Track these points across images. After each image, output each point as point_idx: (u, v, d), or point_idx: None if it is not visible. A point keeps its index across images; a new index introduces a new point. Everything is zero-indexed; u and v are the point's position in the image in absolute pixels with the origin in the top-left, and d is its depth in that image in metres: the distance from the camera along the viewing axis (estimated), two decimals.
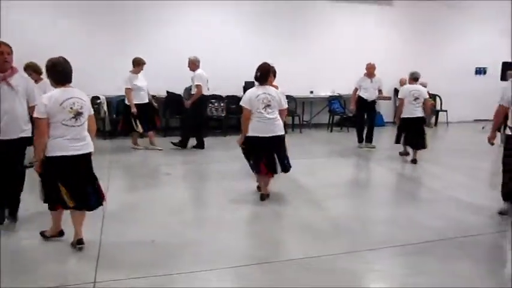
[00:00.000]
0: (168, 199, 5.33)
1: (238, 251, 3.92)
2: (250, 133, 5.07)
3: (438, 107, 12.20)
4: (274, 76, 5.52)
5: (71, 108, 3.57)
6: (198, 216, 4.96)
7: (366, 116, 8.69)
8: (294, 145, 9.14)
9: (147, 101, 7.96)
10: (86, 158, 3.75)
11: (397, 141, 7.78)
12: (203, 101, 8.15)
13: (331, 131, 10.92)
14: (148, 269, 3.49)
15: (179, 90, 9.54)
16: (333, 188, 5.98)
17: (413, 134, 7.45)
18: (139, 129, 7.89)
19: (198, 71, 7.82)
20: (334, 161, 7.77)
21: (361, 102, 8.54)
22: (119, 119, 8.95)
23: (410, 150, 7.67)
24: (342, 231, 4.44)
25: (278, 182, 5.67)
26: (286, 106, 5.28)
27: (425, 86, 7.97)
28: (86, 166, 3.77)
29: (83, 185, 3.73)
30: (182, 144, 8.14)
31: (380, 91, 8.59)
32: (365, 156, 8.12)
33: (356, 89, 8.65)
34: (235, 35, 10.23)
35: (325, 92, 11.16)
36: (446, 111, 12.15)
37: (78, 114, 3.61)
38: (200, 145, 8.21)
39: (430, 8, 11.78)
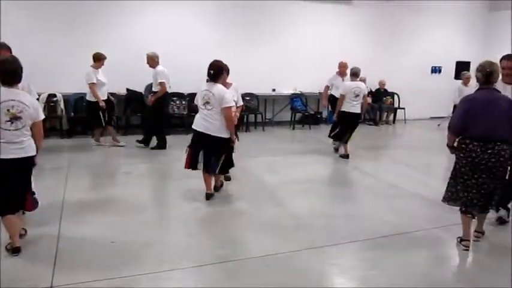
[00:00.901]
0: (129, 199, 5.24)
1: (201, 250, 3.91)
2: (193, 125, 5.17)
3: (396, 105, 12.55)
4: (228, 74, 5.49)
5: (8, 110, 3.38)
6: (159, 215, 4.91)
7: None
8: (256, 143, 9.23)
9: (106, 97, 7.80)
10: (20, 163, 3.50)
11: (331, 135, 8.02)
12: (165, 98, 8.05)
13: (293, 128, 11.03)
14: (110, 270, 3.43)
15: (139, 88, 9.37)
16: (294, 185, 6.05)
17: (346, 128, 7.67)
18: (104, 124, 7.77)
19: (159, 68, 7.67)
20: (296, 158, 7.85)
21: (333, 101, 8.57)
22: (77, 117, 8.72)
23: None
24: (303, 228, 4.51)
25: (240, 180, 5.69)
26: (231, 104, 5.10)
27: (364, 81, 8.24)
28: (18, 171, 3.53)
29: (12, 190, 3.54)
30: (145, 142, 8.04)
31: None
32: (326, 153, 8.25)
33: (327, 87, 8.75)
34: (198, 32, 10.13)
35: (287, 90, 11.25)
36: (404, 108, 12.51)
37: (15, 118, 3.41)
38: (162, 144, 8.05)
39: (389, 9, 12.08)
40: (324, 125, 11.34)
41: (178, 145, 8.24)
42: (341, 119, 7.71)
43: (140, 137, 8.11)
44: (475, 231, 4.20)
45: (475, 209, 3.97)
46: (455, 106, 9.19)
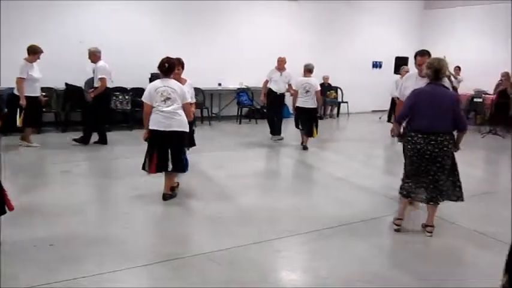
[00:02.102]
0: (68, 198, 5.01)
1: (147, 249, 3.83)
2: (150, 126, 4.92)
3: (340, 99, 12.89)
4: (183, 68, 5.41)
5: None
6: (101, 215, 4.75)
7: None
8: (203, 138, 9.11)
9: (38, 94, 7.39)
10: None
11: (297, 126, 8.25)
12: (107, 94, 7.78)
13: (240, 123, 11.04)
14: (50, 274, 3.27)
15: (79, 83, 9.00)
16: (241, 179, 6.06)
17: (304, 122, 7.97)
18: (19, 122, 7.14)
19: (101, 63, 7.43)
20: (243, 153, 7.88)
21: (271, 94, 8.77)
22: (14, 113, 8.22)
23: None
24: (251, 222, 4.53)
25: (186, 176, 5.61)
26: (190, 100, 5.12)
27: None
28: None
29: None
30: (84, 140, 7.66)
31: (290, 85, 8.73)
32: (273, 147, 8.33)
33: (267, 81, 8.87)
34: (140, 26, 9.88)
35: (233, 85, 11.24)
36: (347, 102, 12.88)
37: None
38: (102, 140, 7.78)
39: (332, 6, 12.37)
40: None
41: (121, 142, 8.06)
42: (298, 114, 8.03)
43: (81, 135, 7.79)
44: (427, 225, 4.28)
45: (424, 195, 4.18)
46: (393, 99, 9.61)
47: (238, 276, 3.42)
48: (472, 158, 8.29)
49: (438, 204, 4.25)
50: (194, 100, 5.73)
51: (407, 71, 9.70)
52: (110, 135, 7.92)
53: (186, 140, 5.13)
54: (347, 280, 3.42)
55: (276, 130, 8.93)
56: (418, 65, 4.70)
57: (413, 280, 3.48)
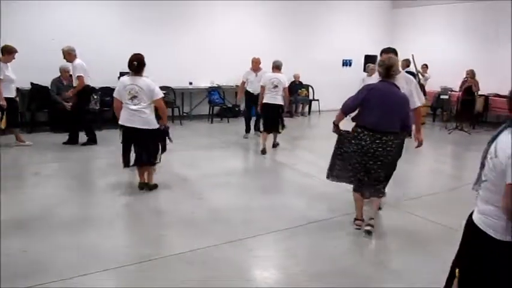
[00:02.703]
0: (36, 201, 4.89)
1: (118, 251, 3.77)
2: (119, 121, 5.11)
3: (311, 97, 12.99)
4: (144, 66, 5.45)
5: None
6: (72, 217, 4.61)
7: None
8: (174, 137, 8.99)
9: (15, 95, 7.25)
10: None
11: (258, 129, 8.25)
12: (86, 92, 7.67)
13: (211, 122, 10.98)
14: (18, 280, 3.17)
15: (46, 82, 8.76)
16: (213, 179, 6.04)
17: (271, 119, 7.79)
18: (3, 124, 6.98)
19: (77, 61, 7.31)
20: (215, 152, 7.84)
21: (247, 95, 8.80)
22: None
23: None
24: (224, 222, 4.52)
25: (158, 176, 5.56)
26: (160, 95, 5.11)
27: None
28: None
29: None
30: (72, 141, 7.60)
31: None
32: (245, 146, 8.33)
33: (243, 82, 8.84)
34: (110, 25, 9.69)
35: (204, 83, 11.17)
36: (318, 100, 12.99)
37: None
38: (92, 139, 7.75)
39: (302, 4, 12.43)
40: (243, 117, 11.43)
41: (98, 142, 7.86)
42: (263, 110, 7.85)
43: (50, 136, 7.59)
44: (370, 218, 4.31)
45: (365, 189, 4.24)
46: None
47: (210, 276, 3.41)
48: (439, 153, 8.52)
49: (381, 196, 4.34)
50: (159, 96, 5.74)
51: (373, 69, 9.92)
52: (80, 135, 7.73)
53: (156, 137, 5.20)
54: (319, 277, 3.46)
55: (256, 127, 9.03)
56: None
57: (384, 275, 3.55)
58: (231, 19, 11.37)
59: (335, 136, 4.39)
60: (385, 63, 3.99)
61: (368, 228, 4.24)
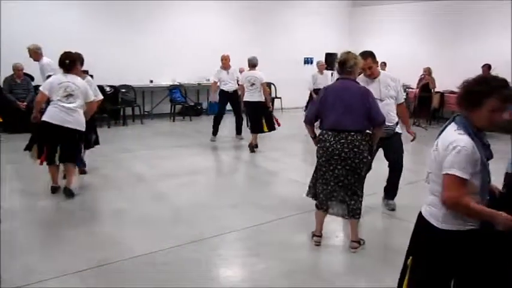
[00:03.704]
0: None
1: (76, 256, 3.63)
2: (44, 118, 4.85)
3: (273, 94, 13.02)
4: (82, 64, 5.35)
5: None
6: (25, 222, 4.42)
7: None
8: (134, 137, 8.88)
9: None
10: None
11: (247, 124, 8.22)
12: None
13: (173, 120, 10.82)
14: None
15: None
16: (176, 178, 5.93)
17: (252, 118, 7.79)
18: None
19: (45, 60, 6.98)
20: (177, 151, 7.72)
21: (222, 94, 8.49)
22: None
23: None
24: (186, 222, 4.44)
25: (118, 176, 5.41)
26: (91, 99, 5.04)
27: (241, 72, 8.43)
28: None
29: None
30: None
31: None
32: (207, 144, 8.24)
33: (215, 82, 8.51)
34: (66, 22, 9.37)
35: (165, 82, 10.99)
36: (280, 98, 13.04)
37: None
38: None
39: (264, 3, 12.44)
40: (205, 116, 11.35)
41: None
42: (245, 108, 7.92)
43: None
44: (352, 240, 3.91)
45: (335, 205, 3.86)
46: (311, 94, 9.88)
47: (172, 278, 3.33)
48: None
49: (358, 218, 3.85)
50: (100, 97, 5.66)
51: (322, 65, 10.11)
52: (25, 136, 7.39)
53: (80, 138, 5.04)
54: (284, 273, 3.45)
55: (237, 130, 8.70)
56: (362, 69, 4.29)
57: (350, 271, 3.58)
58: (191, 17, 11.24)
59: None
60: (339, 59, 3.83)
61: (353, 251, 3.86)
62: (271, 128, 7.85)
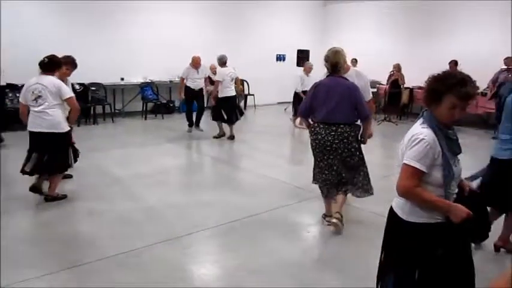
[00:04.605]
0: None
1: (48, 257, 3.57)
2: (28, 127, 4.67)
3: (246, 92, 13.03)
4: (75, 67, 5.26)
5: None
6: None
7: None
8: (105, 135, 8.74)
9: None
10: None
11: (215, 119, 8.47)
12: None
13: (145, 118, 10.70)
14: None
15: None
16: (148, 177, 5.88)
17: (230, 111, 8.26)
18: None
19: None
20: (149, 149, 7.65)
21: (188, 91, 8.87)
22: None
23: (226, 129, 8.31)
24: (159, 221, 4.41)
25: (89, 176, 5.32)
26: (70, 95, 4.72)
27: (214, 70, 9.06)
28: None
29: None
30: None
31: (206, 79, 9.18)
32: (180, 142, 8.20)
33: (182, 79, 8.90)
34: (35, 20, 9.14)
35: (136, 79, 10.85)
36: (253, 95, 13.06)
37: None
38: None
39: (236, 1, 12.43)
40: (177, 114, 11.27)
41: (13, 144, 7.37)
42: (223, 105, 8.20)
43: None
44: (336, 211, 4.17)
45: (332, 186, 4.24)
46: (296, 93, 9.95)
47: (144, 277, 3.31)
48: (368, 143, 8.84)
49: (346, 194, 4.26)
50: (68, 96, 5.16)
51: (310, 67, 10.17)
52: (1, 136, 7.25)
53: (64, 141, 4.75)
54: (256, 271, 3.46)
55: (196, 122, 9.11)
56: None
57: (323, 267, 3.63)
58: (162, 14, 11.11)
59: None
60: (331, 60, 4.05)
61: (334, 221, 4.11)
62: (242, 113, 8.85)
